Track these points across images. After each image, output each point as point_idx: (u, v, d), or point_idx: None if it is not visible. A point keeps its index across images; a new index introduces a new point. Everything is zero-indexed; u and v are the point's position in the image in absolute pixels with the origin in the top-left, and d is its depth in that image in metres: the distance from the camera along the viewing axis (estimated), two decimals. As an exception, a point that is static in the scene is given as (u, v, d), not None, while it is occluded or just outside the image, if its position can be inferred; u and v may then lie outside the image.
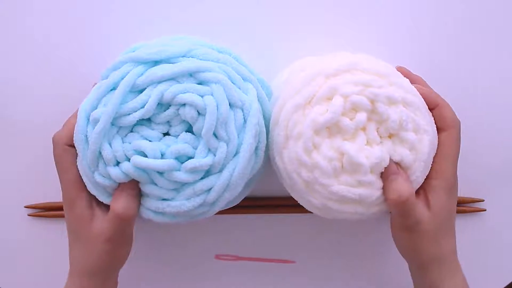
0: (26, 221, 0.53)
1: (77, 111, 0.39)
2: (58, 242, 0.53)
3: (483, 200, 0.54)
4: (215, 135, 0.38)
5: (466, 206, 0.54)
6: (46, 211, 0.53)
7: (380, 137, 0.40)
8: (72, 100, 0.51)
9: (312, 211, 0.42)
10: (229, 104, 0.38)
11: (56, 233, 0.53)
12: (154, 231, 0.54)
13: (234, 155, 0.38)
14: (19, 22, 0.52)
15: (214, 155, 0.38)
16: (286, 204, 0.52)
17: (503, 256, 0.55)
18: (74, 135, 0.38)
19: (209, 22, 0.52)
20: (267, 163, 0.44)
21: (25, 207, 0.53)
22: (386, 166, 0.39)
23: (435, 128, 0.41)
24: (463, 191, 0.53)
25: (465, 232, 0.53)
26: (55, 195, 0.53)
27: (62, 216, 0.52)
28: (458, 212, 0.52)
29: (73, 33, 0.52)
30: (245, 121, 0.39)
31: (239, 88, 0.39)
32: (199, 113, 0.38)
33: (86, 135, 0.37)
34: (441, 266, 0.42)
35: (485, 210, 0.54)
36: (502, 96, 0.53)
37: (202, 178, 0.38)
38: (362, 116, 0.38)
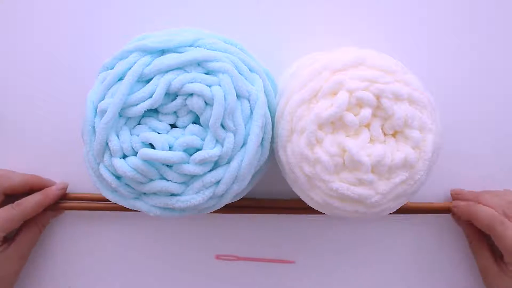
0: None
1: None
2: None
3: None
4: (222, 125, 0.37)
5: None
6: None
7: (385, 134, 0.39)
8: (73, 98, 0.52)
9: (314, 207, 0.42)
10: (236, 95, 0.38)
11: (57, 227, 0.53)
12: (154, 230, 0.54)
13: (242, 146, 0.38)
14: (19, 22, 0.52)
15: (222, 146, 0.37)
16: (287, 206, 0.52)
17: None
18: (82, 126, 0.38)
19: (213, 20, 0.52)
20: (271, 158, 0.44)
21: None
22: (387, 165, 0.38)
23: (440, 127, 0.41)
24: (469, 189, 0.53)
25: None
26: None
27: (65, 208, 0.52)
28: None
29: (74, 31, 0.52)
30: (251, 112, 0.39)
31: (246, 79, 0.39)
32: (206, 104, 0.37)
33: (94, 126, 0.37)
34: None
35: None
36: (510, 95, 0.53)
37: (210, 170, 0.38)
38: (366, 112, 0.38)
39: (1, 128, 0.52)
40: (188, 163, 0.37)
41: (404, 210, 0.49)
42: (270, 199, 0.52)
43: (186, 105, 0.38)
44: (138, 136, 0.37)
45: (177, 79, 0.37)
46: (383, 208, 0.40)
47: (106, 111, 0.36)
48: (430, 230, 0.53)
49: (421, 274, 0.54)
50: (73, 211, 0.53)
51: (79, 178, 0.52)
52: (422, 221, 0.53)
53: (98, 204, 0.52)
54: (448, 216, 0.52)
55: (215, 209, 0.41)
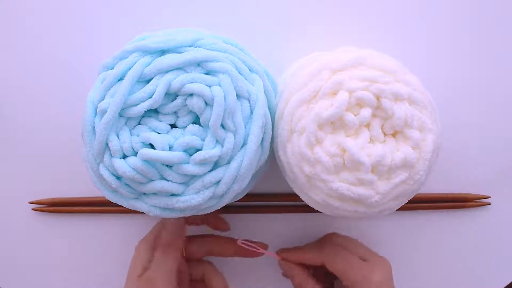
0: (30, 216, 0.53)
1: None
2: (61, 238, 0.53)
3: (489, 197, 0.54)
4: (222, 126, 0.37)
5: (472, 202, 0.54)
6: (50, 206, 0.53)
7: (385, 134, 0.39)
8: (73, 98, 0.52)
9: (313, 207, 0.42)
10: (236, 95, 0.38)
11: (59, 229, 0.54)
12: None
13: (242, 146, 0.38)
14: (19, 22, 0.52)
15: (222, 146, 0.37)
16: (287, 204, 0.53)
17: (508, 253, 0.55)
18: (82, 126, 0.38)
19: (213, 20, 0.52)
20: (271, 158, 0.44)
21: (30, 202, 0.53)
22: (387, 165, 0.38)
23: (440, 127, 0.41)
24: (470, 189, 0.54)
25: (470, 228, 0.54)
26: (58, 191, 0.53)
27: (66, 211, 0.53)
28: (463, 207, 0.53)
29: (74, 31, 0.52)
30: (251, 112, 0.39)
31: (246, 79, 0.39)
32: (206, 104, 0.37)
33: (94, 126, 0.37)
34: None
35: (489, 204, 0.54)
36: (509, 94, 0.53)
37: (210, 171, 0.38)
38: (366, 112, 0.38)
39: (1, 128, 0.52)
40: (188, 163, 0.37)
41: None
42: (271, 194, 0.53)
43: (186, 105, 0.38)
44: (138, 136, 0.37)
45: (177, 79, 0.37)
46: (383, 208, 0.40)
47: (106, 111, 0.36)
48: (432, 226, 0.54)
49: (423, 270, 0.54)
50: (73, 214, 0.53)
51: (79, 178, 0.52)
52: (424, 217, 0.53)
53: (100, 208, 0.53)
54: (449, 211, 0.53)
55: (215, 209, 0.40)
